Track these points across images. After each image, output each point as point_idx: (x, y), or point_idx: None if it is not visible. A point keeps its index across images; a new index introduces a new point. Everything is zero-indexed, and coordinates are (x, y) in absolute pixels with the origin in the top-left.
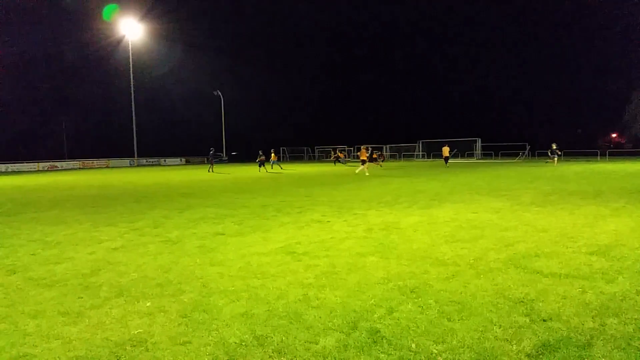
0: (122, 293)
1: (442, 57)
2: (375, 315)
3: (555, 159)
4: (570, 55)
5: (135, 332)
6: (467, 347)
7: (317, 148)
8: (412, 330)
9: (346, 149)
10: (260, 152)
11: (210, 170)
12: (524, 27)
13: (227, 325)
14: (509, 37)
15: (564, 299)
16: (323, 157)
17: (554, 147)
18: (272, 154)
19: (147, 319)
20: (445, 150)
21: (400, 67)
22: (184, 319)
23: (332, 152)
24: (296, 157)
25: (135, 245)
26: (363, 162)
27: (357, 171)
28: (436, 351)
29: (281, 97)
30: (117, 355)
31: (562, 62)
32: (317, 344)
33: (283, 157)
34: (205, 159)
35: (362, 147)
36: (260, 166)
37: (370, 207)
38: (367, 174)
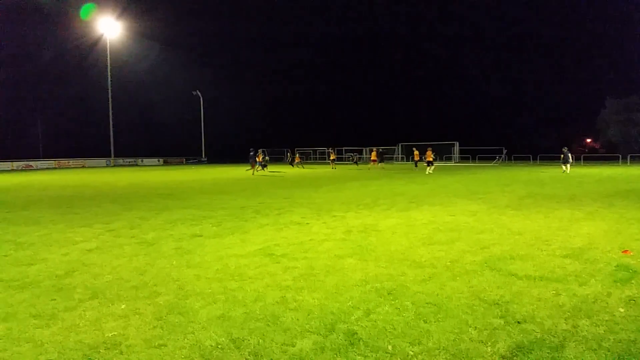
0: (96, 295)
1: (421, 60)
2: (353, 317)
3: (568, 165)
4: (547, 60)
5: (110, 334)
6: (443, 349)
7: (297, 150)
8: (389, 332)
9: (327, 150)
10: (258, 151)
11: (254, 170)
12: (504, 33)
13: (203, 328)
14: (489, 43)
15: (538, 301)
16: (303, 159)
17: (565, 150)
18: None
19: (121, 321)
20: (417, 154)
21: (380, 71)
22: (159, 322)
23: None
24: (276, 158)
25: (111, 246)
26: (429, 163)
27: (426, 172)
28: (412, 353)
29: (261, 98)
30: (90, 359)
31: (538, 67)
32: (294, 346)
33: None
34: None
35: (428, 149)
36: (262, 167)
37: (349, 209)
38: (430, 172)
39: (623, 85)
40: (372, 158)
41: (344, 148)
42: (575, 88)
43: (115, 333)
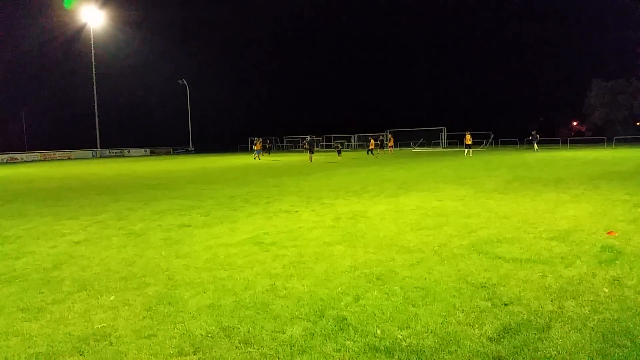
0: (85, 287)
1: (408, 47)
2: (342, 303)
3: (535, 146)
4: (532, 44)
5: (99, 326)
6: (431, 332)
7: (285, 138)
8: (378, 316)
9: (314, 137)
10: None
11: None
12: (487, 17)
13: (193, 317)
14: (472, 28)
15: (525, 283)
16: (292, 147)
17: (534, 133)
18: (258, 144)
19: (110, 312)
20: (372, 143)
21: (367, 58)
22: (149, 312)
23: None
24: (263, 147)
25: (99, 238)
26: (468, 146)
27: (464, 155)
28: (401, 336)
29: (248, 86)
30: (79, 350)
31: (524, 51)
32: (284, 333)
33: (251, 147)
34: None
35: (467, 133)
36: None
37: (338, 196)
38: (470, 155)
39: (609, 68)
40: (389, 144)
41: (332, 135)
42: (562, 71)
43: (105, 324)
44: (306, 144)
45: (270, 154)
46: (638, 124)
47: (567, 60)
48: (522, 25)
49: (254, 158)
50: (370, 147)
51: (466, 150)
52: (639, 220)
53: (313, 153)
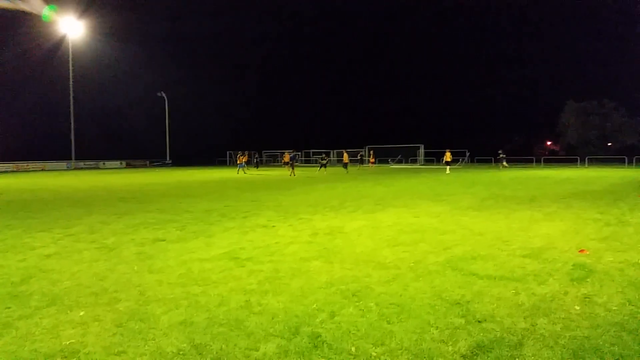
0: (54, 302)
1: (388, 64)
2: (317, 320)
3: (504, 163)
4: (507, 64)
5: (67, 342)
6: (405, 349)
7: (264, 152)
8: (353, 333)
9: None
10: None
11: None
12: (462, 37)
13: (164, 334)
14: (448, 47)
15: (498, 300)
16: (271, 162)
17: (501, 152)
18: (242, 157)
19: (80, 328)
20: (345, 157)
21: (345, 74)
22: (119, 329)
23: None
24: (249, 161)
25: (70, 252)
26: (447, 163)
27: (446, 172)
28: (375, 354)
29: (227, 100)
30: None
31: (499, 71)
32: (257, 350)
33: (229, 161)
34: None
35: (447, 150)
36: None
37: (316, 211)
38: (448, 172)
39: (583, 89)
40: (370, 160)
41: (311, 150)
42: (537, 92)
43: (73, 341)
44: (287, 158)
45: (258, 169)
46: (609, 144)
47: (542, 80)
48: (499, 46)
49: (244, 172)
50: (344, 162)
51: (448, 167)
52: (609, 238)
53: (294, 168)
